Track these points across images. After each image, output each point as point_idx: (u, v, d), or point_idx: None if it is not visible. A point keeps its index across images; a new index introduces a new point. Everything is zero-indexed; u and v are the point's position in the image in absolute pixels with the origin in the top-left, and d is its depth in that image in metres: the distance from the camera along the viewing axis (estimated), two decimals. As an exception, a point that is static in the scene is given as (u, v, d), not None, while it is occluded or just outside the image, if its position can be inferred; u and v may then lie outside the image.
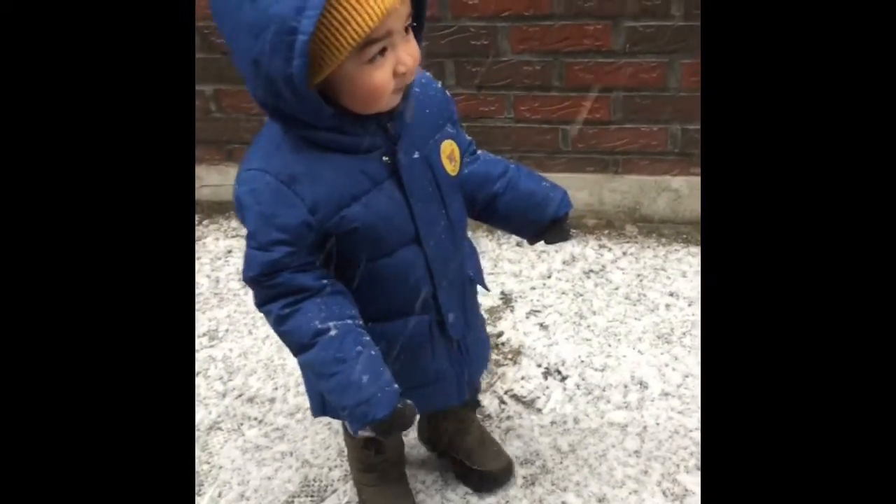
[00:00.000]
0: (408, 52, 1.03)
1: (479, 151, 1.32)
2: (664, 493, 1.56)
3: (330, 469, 1.67)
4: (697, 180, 2.28)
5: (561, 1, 2.08)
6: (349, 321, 1.12)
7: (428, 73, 1.20)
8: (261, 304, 1.13)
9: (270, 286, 1.10)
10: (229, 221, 2.58)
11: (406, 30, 1.02)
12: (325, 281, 1.12)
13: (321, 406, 1.34)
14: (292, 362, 1.95)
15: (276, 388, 1.89)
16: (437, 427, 1.59)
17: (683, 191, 2.31)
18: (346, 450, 1.62)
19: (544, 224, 1.31)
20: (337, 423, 1.75)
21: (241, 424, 1.79)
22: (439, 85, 1.21)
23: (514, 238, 2.30)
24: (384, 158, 1.11)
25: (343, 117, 1.05)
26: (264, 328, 2.08)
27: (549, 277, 2.20)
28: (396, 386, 1.13)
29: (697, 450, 1.63)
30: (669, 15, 2.04)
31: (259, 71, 0.97)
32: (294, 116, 1.03)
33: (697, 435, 1.67)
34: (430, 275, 1.20)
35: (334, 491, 1.62)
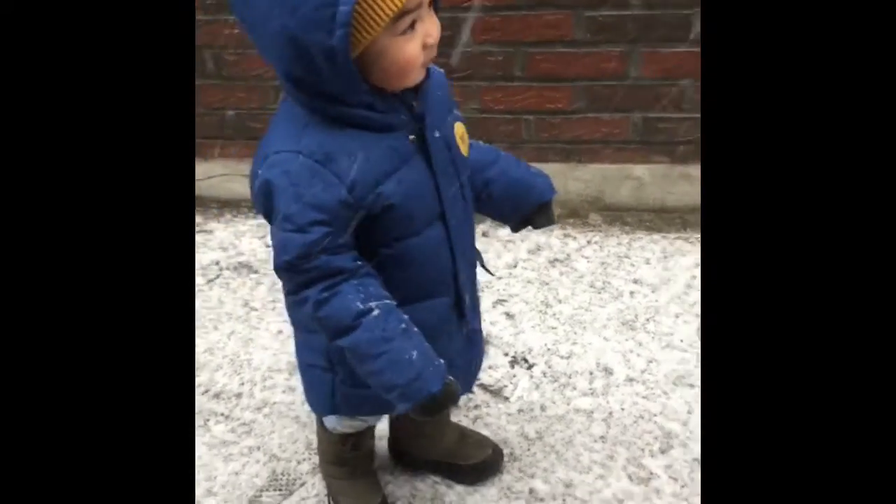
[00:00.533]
0: (434, 25, 1.05)
1: (470, 140, 1.33)
2: (630, 477, 1.58)
3: (298, 462, 1.67)
4: (659, 168, 2.31)
5: (522, -9, 2.09)
6: (388, 300, 1.12)
7: None
8: (295, 290, 1.11)
9: (307, 270, 1.08)
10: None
11: (429, 3, 1.04)
12: (359, 262, 1.11)
13: (332, 404, 1.32)
14: (258, 357, 1.95)
15: (243, 384, 1.88)
16: (417, 434, 1.58)
17: (646, 178, 2.33)
18: (314, 443, 1.62)
19: (533, 209, 1.35)
20: (305, 416, 1.75)
21: (208, 420, 1.78)
22: (442, 71, 1.23)
23: (479, 228, 2.31)
24: (410, 137, 1.12)
25: (373, 96, 1.06)
26: (230, 323, 2.07)
27: (515, 267, 2.21)
28: (443, 361, 1.14)
29: (661, 434, 1.66)
30: (628, 4, 2.06)
31: (295, 47, 0.97)
32: (329, 94, 1.03)
33: (662, 419, 1.69)
34: (452, 254, 1.21)
35: (303, 484, 1.62)
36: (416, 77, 1.08)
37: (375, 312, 1.09)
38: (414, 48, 1.03)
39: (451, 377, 1.14)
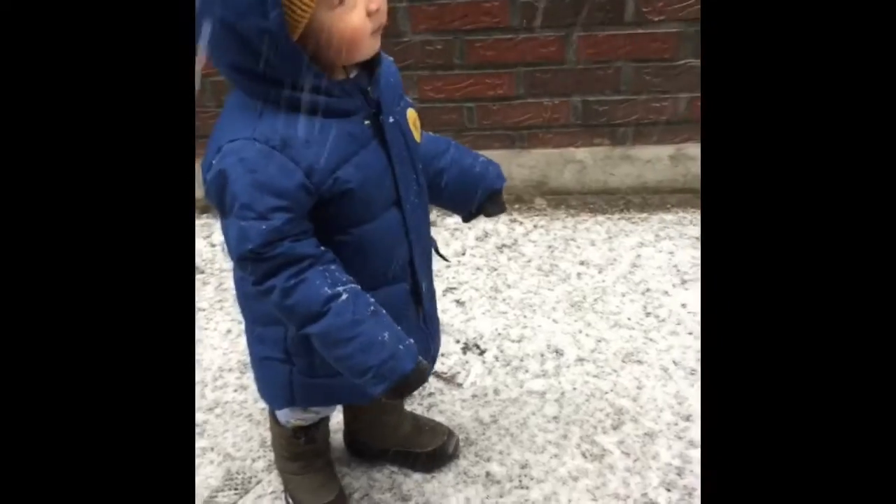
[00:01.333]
0: None
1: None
2: (584, 454, 1.60)
3: (253, 461, 1.66)
4: (601, 150, 2.34)
5: (457, -21, 2.09)
6: (353, 284, 1.11)
7: None
8: (260, 280, 1.09)
9: (271, 258, 1.06)
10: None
11: None
12: (322, 248, 1.11)
13: (289, 396, 1.31)
14: (208, 357, 1.92)
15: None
16: (373, 425, 1.58)
17: (588, 161, 2.36)
18: (269, 440, 1.61)
19: (484, 197, 1.36)
20: (258, 414, 1.74)
21: (159, 424, 1.76)
22: (391, 58, 1.22)
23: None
24: (366, 122, 1.11)
25: (327, 80, 1.04)
26: (177, 325, 2.04)
27: (464, 254, 2.22)
28: (412, 340, 1.15)
29: (613, 411, 1.69)
30: (563, -11, 2.08)
31: (236, 36, 0.96)
32: (279, 80, 1.01)
33: (612, 397, 1.72)
34: (408, 239, 1.21)
35: (258, 482, 1.61)
36: (368, 47, 1.06)
37: (344, 297, 1.09)
38: (357, 17, 1.02)
39: (420, 357, 1.15)
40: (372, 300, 1.13)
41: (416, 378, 1.14)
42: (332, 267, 1.11)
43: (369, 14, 1.03)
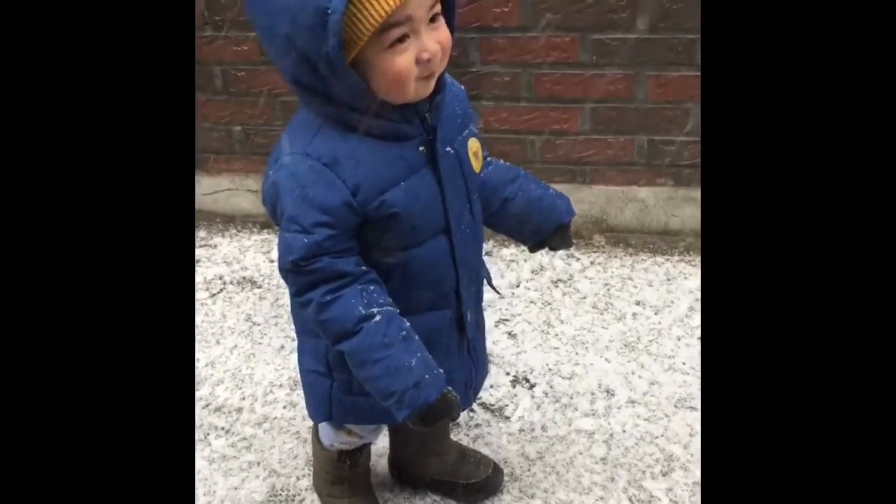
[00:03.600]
0: (434, 39, 1.04)
1: (489, 158, 1.34)
2: (630, 499, 1.57)
3: (298, 478, 1.66)
4: (663, 190, 2.32)
5: (529, 13, 2.10)
6: (390, 307, 1.12)
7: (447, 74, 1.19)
8: (299, 292, 1.12)
9: (311, 271, 1.09)
10: (198, 231, 2.56)
11: (434, 17, 1.04)
12: (363, 267, 1.12)
13: (327, 410, 1.31)
14: (260, 372, 1.95)
15: (244, 398, 1.87)
16: (418, 452, 1.57)
17: (650, 201, 2.34)
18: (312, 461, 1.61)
19: (550, 230, 1.35)
20: (306, 432, 1.75)
21: (208, 434, 1.78)
22: (462, 87, 1.23)
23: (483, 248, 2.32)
24: (420, 148, 1.12)
25: (383, 103, 1.06)
26: (232, 338, 2.07)
27: (518, 287, 2.21)
28: (442, 371, 1.14)
29: (663, 457, 1.65)
30: (635, 28, 2.08)
31: (298, 53, 0.99)
32: (335, 98, 1.04)
33: (663, 442, 1.69)
34: (455, 268, 1.21)
35: (302, 500, 1.61)
36: (413, 91, 1.06)
37: (377, 318, 1.10)
38: (403, 62, 1.02)
39: (449, 388, 1.14)
40: (406, 325, 1.13)
41: (441, 409, 1.13)
42: (371, 288, 1.12)
43: (419, 61, 1.03)
